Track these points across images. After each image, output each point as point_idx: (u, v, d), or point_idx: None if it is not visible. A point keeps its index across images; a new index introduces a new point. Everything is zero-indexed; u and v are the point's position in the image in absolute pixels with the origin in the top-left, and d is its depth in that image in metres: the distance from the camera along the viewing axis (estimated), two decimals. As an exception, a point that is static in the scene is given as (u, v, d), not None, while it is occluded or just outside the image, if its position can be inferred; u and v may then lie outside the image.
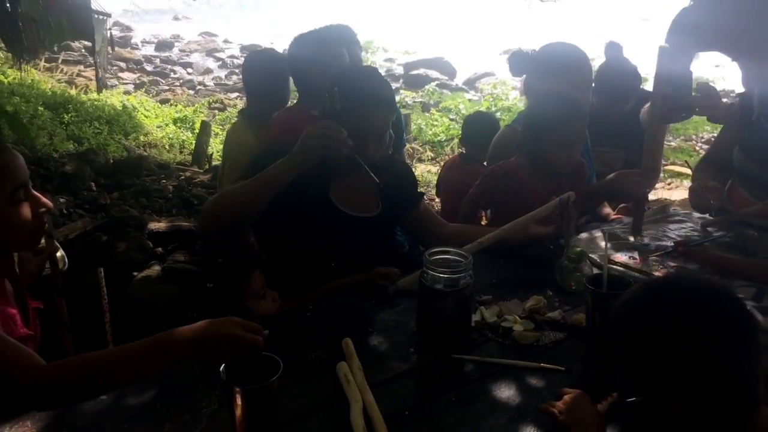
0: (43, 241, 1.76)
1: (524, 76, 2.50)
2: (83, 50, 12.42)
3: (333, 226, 1.98)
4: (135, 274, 3.60)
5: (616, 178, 2.24)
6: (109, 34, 9.38)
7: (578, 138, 2.14)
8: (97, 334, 2.46)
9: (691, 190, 2.14)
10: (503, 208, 2.23)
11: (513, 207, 2.13)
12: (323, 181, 2.00)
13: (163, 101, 11.26)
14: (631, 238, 2.19)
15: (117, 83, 11.34)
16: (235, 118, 3.82)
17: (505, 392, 1.41)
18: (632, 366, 1.16)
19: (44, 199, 1.50)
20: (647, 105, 2.47)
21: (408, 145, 9.54)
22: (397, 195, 2.12)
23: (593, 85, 2.61)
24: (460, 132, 4.41)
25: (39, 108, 8.08)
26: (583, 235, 2.21)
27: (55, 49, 7.46)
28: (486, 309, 1.70)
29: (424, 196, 2.25)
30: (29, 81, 9.70)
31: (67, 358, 1.35)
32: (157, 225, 3.95)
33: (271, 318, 1.76)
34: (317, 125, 1.80)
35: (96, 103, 9.50)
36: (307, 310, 1.77)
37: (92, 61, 8.43)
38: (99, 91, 7.47)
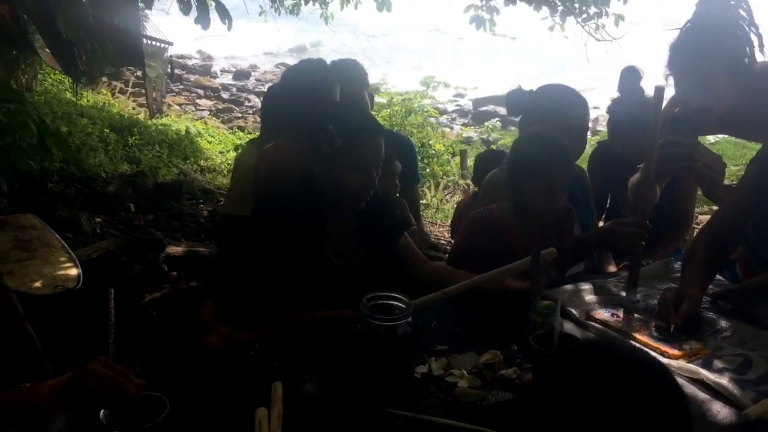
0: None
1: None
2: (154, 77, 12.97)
3: (322, 278, 1.91)
4: (146, 295, 3.64)
5: (609, 227, 2.11)
6: (169, 62, 9.73)
7: (561, 184, 2.02)
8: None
9: (663, 294, 1.88)
10: (487, 256, 2.11)
11: (496, 257, 2.03)
12: (320, 231, 1.94)
13: (240, 128, 11.65)
14: (623, 294, 2.03)
15: (167, 110, 11.75)
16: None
17: (429, 455, 1.30)
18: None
19: None
20: None
21: (444, 182, 9.45)
22: (376, 233, 2.05)
23: (609, 123, 2.49)
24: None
25: (105, 130, 8.39)
26: (568, 287, 2.06)
27: (106, 72, 7.72)
28: (435, 361, 1.60)
29: (405, 232, 2.16)
30: (101, 104, 10.15)
31: None
32: (175, 249, 3.99)
33: (218, 353, 1.71)
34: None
35: (160, 127, 9.86)
36: (253, 349, 1.70)
37: (155, 87, 8.75)
38: (151, 116, 7.71)
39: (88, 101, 10.03)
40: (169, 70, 10.14)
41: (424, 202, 8.04)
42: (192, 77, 17.07)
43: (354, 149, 1.87)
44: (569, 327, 1.83)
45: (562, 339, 1.47)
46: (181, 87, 16.06)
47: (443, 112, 15.41)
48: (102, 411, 1.12)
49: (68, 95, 9.67)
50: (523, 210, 2.05)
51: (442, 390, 1.50)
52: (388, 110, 10.89)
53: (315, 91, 2.35)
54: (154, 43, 8.47)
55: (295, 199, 1.95)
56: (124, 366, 1.18)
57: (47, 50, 5.81)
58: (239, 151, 5.96)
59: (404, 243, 2.12)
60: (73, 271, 3.73)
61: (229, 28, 4.55)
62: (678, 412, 0.99)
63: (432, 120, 11.87)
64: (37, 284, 3.53)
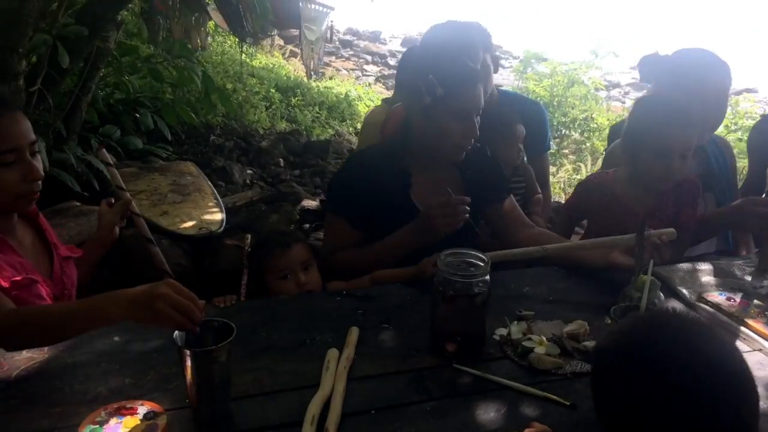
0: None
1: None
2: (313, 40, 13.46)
3: None
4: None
5: (739, 205, 1.90)
6: (329, 27, 10.01)
7: (679, 148, 1.85)
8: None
9: None
10: (595, 224, 2.01)
11: (606, 225, 1.92)
12: (405, 178, 1.96)
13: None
14: (748, 278, 1.84)
15: (335, 74, 12.12)
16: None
17: (488, 414, 1.27)
18: (622, 404, 0.99)
19: (36, 169, 1.55)
20: None
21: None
22: (481, 190, 2.02)
23: None
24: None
25: (271, 90, 8.86)
26: (684, 266, 1.90)
27: (270, 34, 8.10)
28: (516, 324, 1.55)
29: (510, 196, 2.11)
30: (272, 65, 10.72)
31: (20, 308, 1.41)
32: (310, 203, 4.17)
33: (294, 297, 1.80)
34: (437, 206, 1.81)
35: (323, 89, 10.26)
36: (340, 294, 1.75)
37: (313, 49, 9.09)
38: (308, 78, 8.04)
39: (260, 63, 10.64)
40: (328, 34, 10.44)
41: (578, 176, 7.71)
42: (362, 43, 17.57)
43: (454, 98, 1.85)
44: (676, 306, 1.70)
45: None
46: (351, 52, 16.54)
47: (615, 85, 14.58)
48: (176, 332, 1.21)
49: (243, 56, 10.30)
50: (637, 177, 1.91)
51: (517, 354, 1.46)
52: (550, 80, 10.49)
53: (447, 51, 2.33)
54: (315, 6, 8.76)
55: (383, 151, 2.00)
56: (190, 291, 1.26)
57: (218, 12, 6.24)
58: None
59: (509, 207, 2.07)
60: (218, 216, 4.03)
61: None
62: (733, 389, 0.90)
63: (600, 93, 11.26)
64: (186, 225, 3.86)
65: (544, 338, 1.48)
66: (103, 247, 1.97)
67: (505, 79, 11.83)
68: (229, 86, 7.66)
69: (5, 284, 1.50)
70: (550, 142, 3.30)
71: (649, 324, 1.02)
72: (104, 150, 2.14)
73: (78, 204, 3.81)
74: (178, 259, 3.63)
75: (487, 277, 1.44)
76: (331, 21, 10.96)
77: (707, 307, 1.67)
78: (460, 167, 2.03)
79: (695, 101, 1.88)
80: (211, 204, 4.20)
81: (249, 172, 5.51)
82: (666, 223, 1.91)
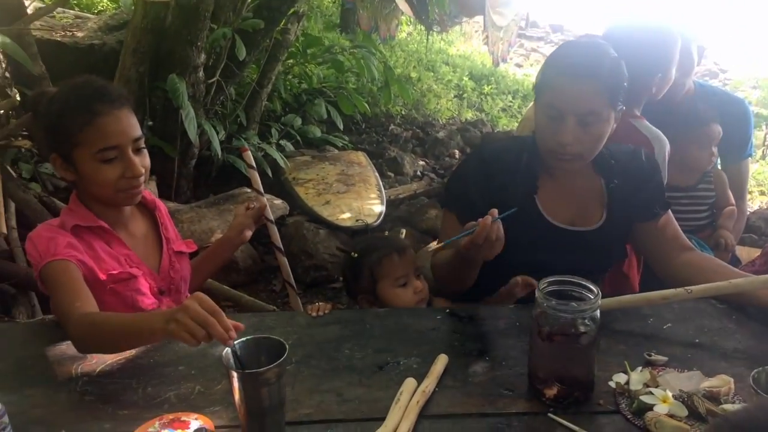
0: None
1: None
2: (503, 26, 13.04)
3: (541, 239, 1.67)
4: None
5: None
6: (521, 14, 9.58)
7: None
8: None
9: None
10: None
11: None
12: (530, 184, 1.69)
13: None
14: None
15: (524, 60, 11.64)
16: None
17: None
18: None
19: (135, 166, 1.54)
20: None
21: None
22: (631, 203, 1.71)
23: None
24: None
25: (464, 78, 8.73)
26: None
27: (457, 21, 7.90)
28: (638, 372, 1.27)
29: (668, 211, 1.76)
30: (468, 53, 10.58)
31: (91, 313, 1.39)
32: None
33: (389, 312, 1.65)
34: None
35: (519, 77, 9.92)
36: (443, 312, 1.57)
37: (502, 36, 8.75)
38: (494, 65, 7.77)
39: (457, 50, 10.53)
40: (522, 22, 10.00)
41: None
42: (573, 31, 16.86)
43: (548, 87, 1.57)
44: None
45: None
46: (562, 38, 15.93)
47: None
48: (225, 350, 1.14)
49: (431, 44, 10.26)
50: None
51: (632, 410, 1.19)
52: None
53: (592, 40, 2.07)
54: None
55: (509, 147, 1.75)
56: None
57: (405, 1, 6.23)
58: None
59: (663, 224, 1.73)
60: (377, 208, 4.02)
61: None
62: None
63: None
64: (344, 216, 3.89)
65: (670, 394, 1.19)
66: (230, 248, 1.97)
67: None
68: (414, 75, 7.65)
69: (103, 277, 1.54)
70: (752, 148, 2.81)
71: None
72: (249, 152, 2.14)
73: (248, 190, 3.99)
74: (333, 250, 3.66)
75: (597, 313, 1.18)
76: (527, 11, 10.50)
77: None
78: (606, 174, 1.72)
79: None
80: (373, 196, 4.20)
81: (421, 163, 5.45)
82: None
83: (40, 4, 4.67)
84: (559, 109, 1.53)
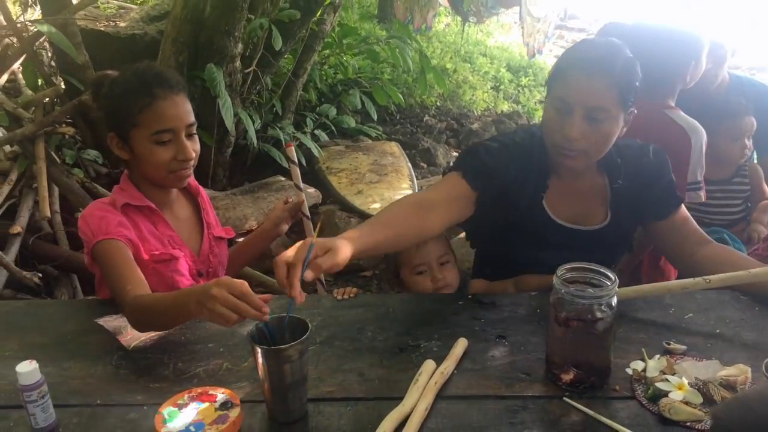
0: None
1: None
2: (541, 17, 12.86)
3: (546, 238, 1.67)
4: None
5: None
6: (560, 7, 9.45)
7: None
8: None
9: None
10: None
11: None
12: (541, 182, 1.67)
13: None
14: None
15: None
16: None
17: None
18: None
19: (188, 151, 1.63)
20: None
21: None
22: (638, 201, 1.69)
23: None
24: None
25: (501, 69, 8.67)
26: None
27: (495, 12, 7.85)
28: (657, 359, 1.29)
29: (681, 206, 1.73)
30: (507, 45, 10.49)
31: (142, 295, 1.44)
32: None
33: (412, 297, 1.68)
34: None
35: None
36: (464, 298, 1.60)
37: (538, 28, 8.65)
38: (529, 57, 7.69)
39: (495, 42, 10.45)
40: (563, 13, 9.86)
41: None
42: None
43: (559, 83, 1.55)
44: None
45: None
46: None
47: None
48: (251, 327, 1.19)
49: (479, 36, 10.17)
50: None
51: (647, 396, 1.21)
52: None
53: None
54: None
55: (526, 140, 1.70)
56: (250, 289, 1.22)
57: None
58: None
59: (680, 220, 1.71)
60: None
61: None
62: None
63: None
64: (375, 205, 3.93)
65: (686, 381, 1.20)
66: (267, 240, 2.03)
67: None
68: (449, 66, 7.64)
69: (146, 256, 1.61)
70: None
71: None
72: (293, 148, 2.18)
73: (282, 179, 4.06)
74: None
75: (614, 300, 1.20)
76: (565, 4, 10.30)
77: None
78: (610, 173, 1.69)
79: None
80: (405, 186, 4.23)
81: (454, 154, 5.46)
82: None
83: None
84: (568, 102, 1.51)
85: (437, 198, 1.59)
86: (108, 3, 5.54)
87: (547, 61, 10.04)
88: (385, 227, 1.47)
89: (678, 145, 2.01)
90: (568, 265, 1.25)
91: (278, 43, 3.90)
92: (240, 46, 3.74)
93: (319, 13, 4.57)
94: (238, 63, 3.80)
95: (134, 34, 4.45)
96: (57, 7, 3.27)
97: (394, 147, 4.94)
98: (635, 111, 1.58)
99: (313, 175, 4.49)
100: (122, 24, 4.62)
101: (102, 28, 4.44)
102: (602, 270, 1.24)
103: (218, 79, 3.52)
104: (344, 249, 1.30)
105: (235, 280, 1.22)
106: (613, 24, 2.24)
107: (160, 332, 1.47)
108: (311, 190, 4.00)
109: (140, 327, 1.45)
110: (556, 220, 1.67)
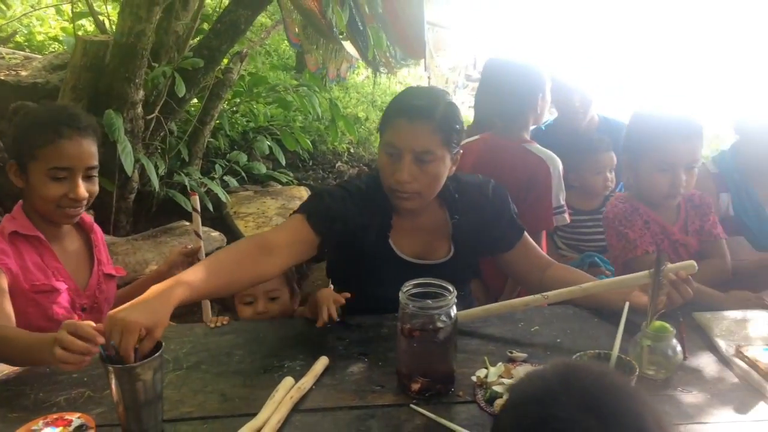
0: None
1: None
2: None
3: (395, 274, 1.62)
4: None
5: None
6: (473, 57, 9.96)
7: (684, 160, 1.79)
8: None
9: None
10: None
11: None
12: (386, 222, 1.76)
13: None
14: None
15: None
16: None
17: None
18: None
19: (80, 191, 1.69)
20: None
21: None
22: (481, 236, 1.80)
23: None
24: None
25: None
26: (731, 314, 1.61)
27: (405, 64, 8.15)
28: (497, 367, 1.39)
29: (523, 234, 1.87)
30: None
31: (4, 327, 1.47)
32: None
33: (281, 321, 1.77)
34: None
35: (469, 118, 10.13)
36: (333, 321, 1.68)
37: (447, 78, 9.07)
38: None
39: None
40: (472, 63, 10.36)
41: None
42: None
43: (388, 129, 1.66)
44: (706, 362, 1.45)
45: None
46: None
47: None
48: (101, 346, 1.23)
49: (397, 87, 10.45)
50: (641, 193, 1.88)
51: (485, 398, 1.31)
52: None
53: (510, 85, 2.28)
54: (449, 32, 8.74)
55: (372, 183, 1.77)
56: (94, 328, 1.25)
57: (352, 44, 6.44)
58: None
59: (523, 248, 1.85)
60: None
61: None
62: None
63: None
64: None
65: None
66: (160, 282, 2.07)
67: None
68: (361, 114, 7.86)
69: (26, 286, 1.64)
70: None
71: (551, 378, 0.86)
72: (197, 197, 2.26)
73: (186, 224, 4.06)
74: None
75: (452, 311, 1.31)
76: (474, 55, 10.86)
77: (742, 364, 1.39)
78: (450, 209, 1.80)
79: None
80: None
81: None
82: (695, 238, 1.85)
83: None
84: (398, 147, 1.61)
85: (280, 241, 1.61)
86: (14, 54, 5.48)
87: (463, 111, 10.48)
88: (218, 275, 1.48)
89: (540, 175, 2.19)
90: (413, 281, 1.35)
91: (181, 90, 3.95)
92: (141, 92, 3.77)
93: (225, 62, 4.66)
94: (139, 109, 3.82)
95: (36, 82, 4.41)
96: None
97: (303, 192, 5.03)
98: (461, 151, 1.71)
99: (220, 219, 4.51)
100: (24, 73, 4.58)
101: (2, 77, 4.39)
102: (443, 284, 1.34)
103: (117, 124, 3.53)
104: (164, 319, 1.31)
105: (80, 322, 1.27)
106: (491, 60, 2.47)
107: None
108: (215, 234, 4.02)
109: None
110: (402, 256, 1.75)
